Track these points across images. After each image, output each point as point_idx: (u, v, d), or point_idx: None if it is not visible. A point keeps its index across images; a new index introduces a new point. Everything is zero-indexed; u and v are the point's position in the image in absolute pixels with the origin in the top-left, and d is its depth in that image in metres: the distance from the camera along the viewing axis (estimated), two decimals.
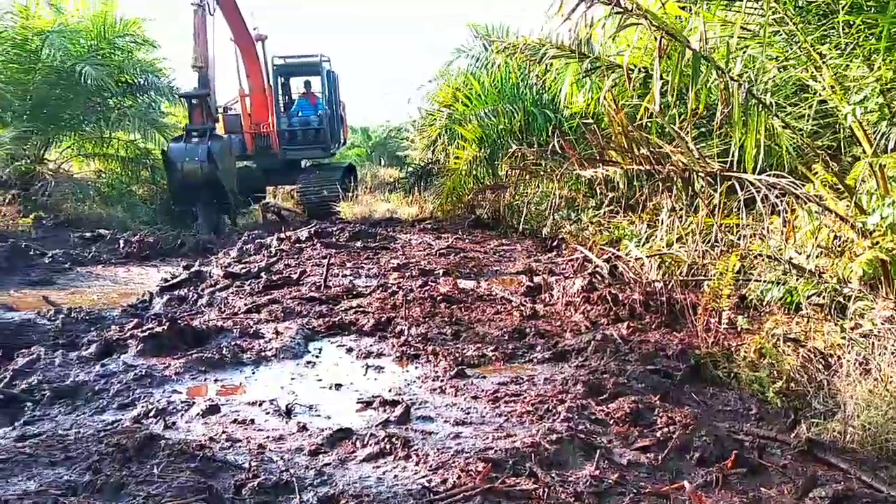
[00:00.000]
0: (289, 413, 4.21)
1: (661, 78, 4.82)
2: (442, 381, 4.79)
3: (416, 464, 3.49)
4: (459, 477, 3.28)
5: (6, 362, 5.17)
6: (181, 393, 4.63)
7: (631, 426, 3.95)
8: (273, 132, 17.19)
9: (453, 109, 14.24)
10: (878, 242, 4.71)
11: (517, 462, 3.43)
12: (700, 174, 5.35)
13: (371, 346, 5.69)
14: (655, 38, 4.88)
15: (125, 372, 4.85)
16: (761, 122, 5.01)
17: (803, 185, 5.09)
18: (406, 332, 5.90)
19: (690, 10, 5.67)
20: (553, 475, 3.33)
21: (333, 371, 5.17)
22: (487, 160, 13.29)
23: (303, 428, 3.96)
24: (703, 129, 7.33)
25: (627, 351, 5.22)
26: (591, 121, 8.89)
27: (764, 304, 5.45)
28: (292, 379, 4.96)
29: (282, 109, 17.77)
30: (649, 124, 7.25)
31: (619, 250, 7.69)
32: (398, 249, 10.84)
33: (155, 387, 4.68)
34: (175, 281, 8.43)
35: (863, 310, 4.57)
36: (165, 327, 5.62)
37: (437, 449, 3.63)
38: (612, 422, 4.03)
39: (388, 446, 3.65)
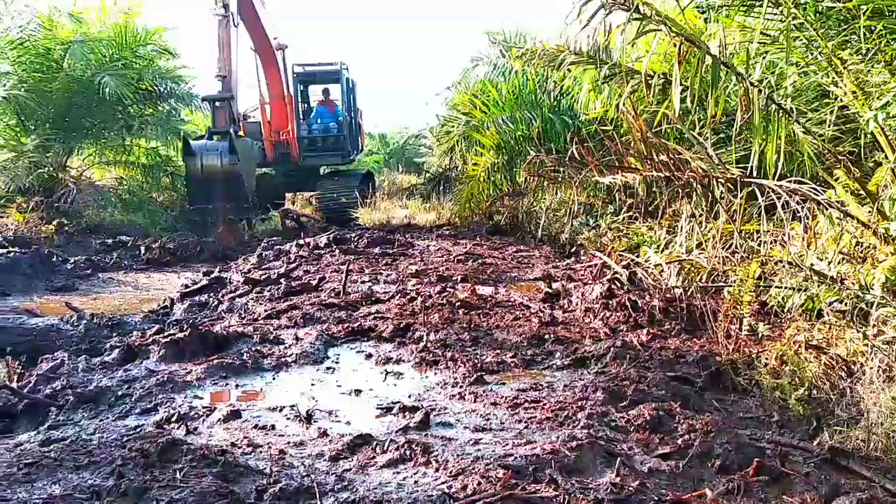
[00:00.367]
0: (309, 419, 4.22)
1: (681, 84, 4.81)
2: (461, 387, 4.79)
3: (436, 470, 3.49)
4: (479, 483, 3.28)
5: (30, 367, 5.24)
6: (203, 398, 4.67)
7: (651, 433, 3.93)
8: (293, 139, 17.33)
9: (471, 116, 14.26)
10: None
11: (537, 469, 3.42)
12: (720, 180, 5.33)
13: (390, 351, 5.71)
14: (675, 45, 4.88)
15: (147, 377, 4.89)
16: (782, 127, 4.99)
17: (824, 191, 5.05)
18: (425, 339, 5.90)
19: (709, 15, 5.66)
20: (573, 482, 3.32)
21: (353, 377, 5.18)
22: (505, 167, 13.27)
23: (323, 433, 3.97)
24: (722, 135, 7.30)
25: (647, 357, 5.19)
26: (609, 127, 8.87)
27: (785, 310, 5.40)
28: (312, 385, 4.98)
29: (301, 117, 17.92)
30: (667, 131, 7.23)
31: (638, 256, 7.66)
32: (416, 255, 10.87)
33: (177, 392, 4.71)
34: (196, 287, 8.50)
35: (885, 316, 4.52)
36: (187, 333, 5.66)
37: (457, 455, 3.63)
38: (632, 429, 4.00)
39: (407, 452, 3.65)
